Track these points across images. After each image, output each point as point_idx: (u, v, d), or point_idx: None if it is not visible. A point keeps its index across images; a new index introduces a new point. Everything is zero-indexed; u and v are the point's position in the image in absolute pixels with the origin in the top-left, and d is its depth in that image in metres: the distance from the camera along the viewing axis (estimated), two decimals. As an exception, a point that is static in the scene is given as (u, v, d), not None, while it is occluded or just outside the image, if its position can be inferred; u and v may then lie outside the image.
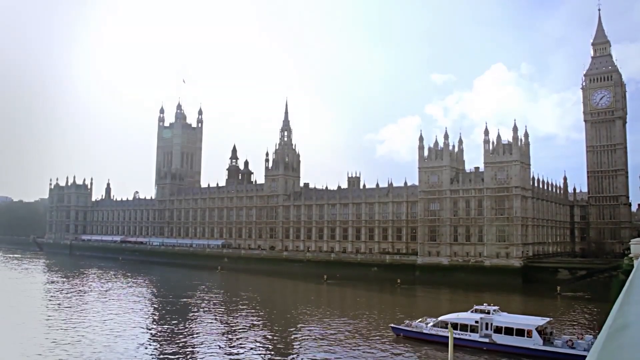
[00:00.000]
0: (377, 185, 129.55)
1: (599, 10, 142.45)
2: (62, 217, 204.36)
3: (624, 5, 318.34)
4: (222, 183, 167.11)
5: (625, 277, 43.82)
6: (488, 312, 47.87)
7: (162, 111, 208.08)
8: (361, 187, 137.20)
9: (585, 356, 40.55)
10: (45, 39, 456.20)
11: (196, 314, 67.42)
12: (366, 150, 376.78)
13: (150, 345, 48.81)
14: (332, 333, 53.92)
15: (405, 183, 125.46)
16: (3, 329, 54.95)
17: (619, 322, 3.57)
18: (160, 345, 48.73)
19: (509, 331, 44.82)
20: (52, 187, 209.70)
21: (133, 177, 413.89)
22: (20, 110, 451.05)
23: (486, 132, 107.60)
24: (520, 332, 44.42)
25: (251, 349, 46.99)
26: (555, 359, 41.97)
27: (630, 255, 62.21)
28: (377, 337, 51.38)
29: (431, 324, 49.41)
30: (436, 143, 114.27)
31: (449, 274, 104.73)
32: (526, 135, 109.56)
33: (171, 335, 52.46)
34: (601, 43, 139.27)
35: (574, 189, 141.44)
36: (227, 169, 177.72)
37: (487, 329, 46.36)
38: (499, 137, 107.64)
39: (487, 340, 45.86)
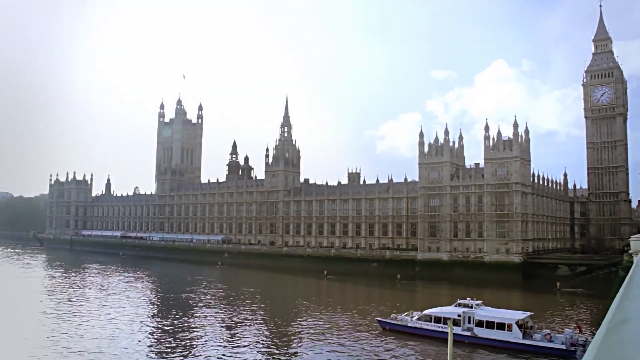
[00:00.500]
0: (377, 181, 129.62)
1: (600, 6, 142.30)
2: (62, 213, 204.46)
3: (625, 2, 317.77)
4: (222, 178, 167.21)
5: (625, 274, 43.89)
6: (471, 307, 48.78)
7: (162, 107, 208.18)
8: (361, 183, 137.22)
9: (561, 349, 41.22)
10: (45, 39, 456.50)
11: (196, 309, 67.50)
12: (366, 146, 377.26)
13: (151, 340, 48.97)
14: (322, 326, 54.93)
15: (406, 179, 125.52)
16: (6, 324, 55.02)
17: (619, 317, 3.59)
18: (161, 340, 48.87)
19: (490, 325, 45.80)
20: (53, 182, 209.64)
21: (133, 173, 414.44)
22: (21, 107, 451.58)
23: (486, 129, 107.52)
24: (500, 326, 45.47)
25: (250, 342, 47.19)
26: (533, 352, 42.94)
27: (630, 252, 62.20)
28: (364, 331, 52.35)
29: (416, 317, 50.60)
30: (436, 139, 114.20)
31: (448, 269, 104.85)
32: (527, 131, 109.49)
33: (172, 330, 52.60)
34: (602, 40, 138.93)
35: (574, 186, 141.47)
36: (227, 165, 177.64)
37: (469, 322, 47.33)
38: (499, 133, 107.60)
39: (469, 333, 46.82)
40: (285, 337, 51.21)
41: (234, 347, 45.98)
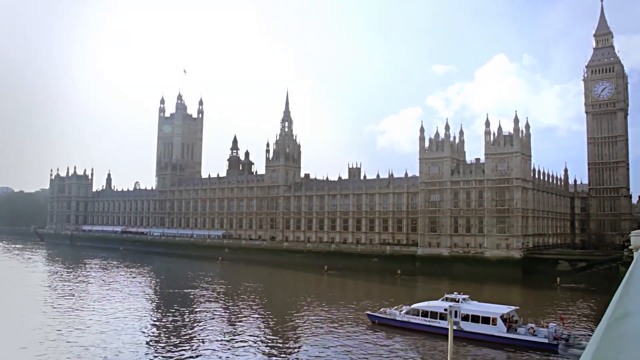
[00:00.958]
0: (378, 176, 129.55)
1: (602, 1, 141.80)
2: (63, 208, 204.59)
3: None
4: (223, 174, 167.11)
5: (625, 269, 43.92)
6: (457, 301, 49.58)
7: (162, 102, 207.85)
8: (362, 178, 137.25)
9: (544, 342, 41.82)
10: (45, 39, 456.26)
11: (197, 304, 67.70)
12: (367, 142, 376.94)
13: (153, 334, 49.14)
14: (315, 320, 56.03)
15: (406, 174, 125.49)
16: (8, 319, 55.15)
17: (619, 312, 3.58)
18: (163, 334, 48.98)
19: (475, 319, 46.45)
20: (53, 177, 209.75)
21: (134, 168, 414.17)
22: (21, 104, 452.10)
23: (487, 124, 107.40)
24: (485, 320, 46.24)
25: (248, 337, 47.34)
26: (517, 345, 43.68)
27: (630, 247, 62.30)
28: (354, 325, 53.15)
29: (404, 311, 51.43)
30: (437, 134, 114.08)
31: (449, 265, 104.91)
32: (527, 126, 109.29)
33: (173, 325, 52.72)
34: (603, 34, 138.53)
35: (575, 181, 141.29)
36: (227, 160, 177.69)
37: (455, 316, 47.63)
38: (500, 128, 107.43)
39: (455, 327, 46.90)
40: (279, 331, 51.43)
41: (233, 341, 46.09)
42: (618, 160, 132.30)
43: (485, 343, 44.45)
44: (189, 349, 43.65)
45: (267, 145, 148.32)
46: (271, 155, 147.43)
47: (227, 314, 60.92)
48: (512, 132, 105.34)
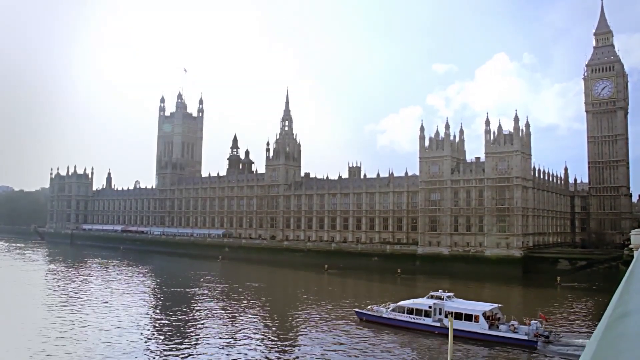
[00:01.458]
0: (378, 175, 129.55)
1: (602, 0, 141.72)
2: (63, 207, 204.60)
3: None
4: (223, 173, 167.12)
5: (625, 268, 43.94)
6: (442, 298, 50.42)
7: (162, 101, 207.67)
8: (362, 177, 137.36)
9: (524, 339, 42.70)
10: (45, 39, 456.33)
11: (197, 303, 67.75)
12: (367, 141, 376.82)
13: (152, 335, 49.14)
14: (304, 318, 57.21)
15: (406, 173, 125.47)
16: (9, 319, 55.16)
17: (619, 311, 3.56)
18: (163, 334, 49.02)
19: (458, 316, 46.71)
20: (53, 176, 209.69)
21: (134, 167, 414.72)
22: (21, 104, 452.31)
23: (487, 122, 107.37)
24: (468, 317, 47.00)
25: (245, 335, 47.43)
26: (498, 342, 44.51)
27: (631, 246, 62.34)
28: (342, 321, 54.17)
29: (390, 308, 52.38)
30: (437, 133, 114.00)
31: (449, 264, 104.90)
32: (527, 125, 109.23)
33: (174, 324, 52.78)
34: (603, 33, 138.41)
35: (575, 180, 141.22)
36: (227, 159, 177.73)
37: (439, 314, 49.02)
38: (500, 127, 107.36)
39: (438, 324, 48.53)
40: (276, 330, 51.69)
41: (232, 340, 46.16)
42: (618, 159, 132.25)
43: (468, 340, 45.16)
44: (189, 348, 43.69)
45: (267, 144, 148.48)
46: (271, 154, 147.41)
47: (226, 313, 60.93)
48: (512, 131, 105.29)
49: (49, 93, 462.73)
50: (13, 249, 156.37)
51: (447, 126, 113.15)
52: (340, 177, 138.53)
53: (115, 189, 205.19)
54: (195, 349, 43.61)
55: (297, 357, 41.76)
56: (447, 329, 46.18)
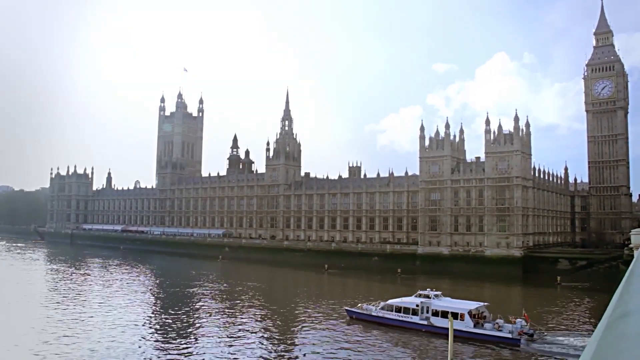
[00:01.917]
0: (378, 175, 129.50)
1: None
2: (63, 207, 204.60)
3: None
4: (223, 172, 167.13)
5: (626, 268, 43.94)
6: (429, 297, 51.41)
7: (162, 100, 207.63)
8: (362, 176, 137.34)
9: (508, 337, 43.54)
10: (45, 39, 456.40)
11: (198, 303, 67.75)
12: (367, 140, 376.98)
13: (153, 334, 49.14)
14: (298, 316, 58.39)
15: (406, 173, 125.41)
16: (9, 319, 55.16)
17: (619, 310, 3.57)
18: (163, 334, 49.04)
19: (444, 314, 47.69)
20: (53, 176, 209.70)
21: (134, 167, 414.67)
22: (21, 104, 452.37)
23: (487, 122, 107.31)
24: (454, 316, 47.31)
25: (248, 336, 47.41)
26: (483, 340, 45.42)
27: (631, 246, 62.30)
28: (332, 319, 55.19)
29: (380, 307, 53.32)
30: (437, 133, 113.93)
31: (449, 263, 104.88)
32: (527, 125, 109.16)
33: (173, 324, 52.79)
34: (603, 33, 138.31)
35: (575, 179, 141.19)
36: (227, 159, 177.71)
37: (426, 312, 49.99)
38: (500, 127, 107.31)
39: (425, 322, 49.60)
40: (274, 329, 51.73)
41: (231, 339, 46.19)
42: (618, 158, 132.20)
43: (454, 337, 45.47)
44: (189, 347, 43.68)
45: (268, 144, 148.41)
46: (271, 154, 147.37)
47: (226, 312, 60.95)
48: (512, 130, 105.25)
49: (49, 93, 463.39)
50: (13, 249, 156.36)
51: (447, 126, 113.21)
52: (340, 177, 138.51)
53: (115, 188, 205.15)
54: (195, 348, 43.61)
55: (286, 355, 42.41)
56: (434, 327, 48.28)
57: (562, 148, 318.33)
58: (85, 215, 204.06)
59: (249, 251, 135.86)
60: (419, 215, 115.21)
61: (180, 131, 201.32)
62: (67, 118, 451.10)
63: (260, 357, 41.35)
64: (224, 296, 73.88)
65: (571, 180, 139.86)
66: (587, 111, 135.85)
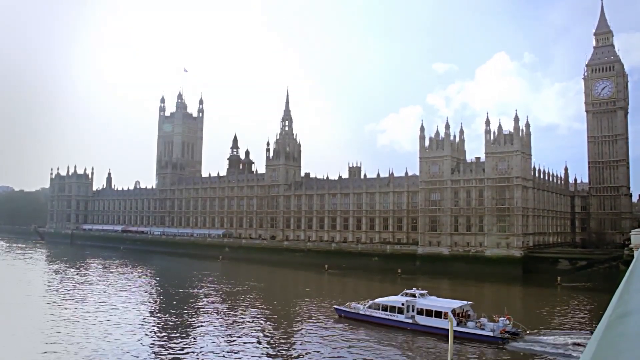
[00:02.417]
0: (378, 175, 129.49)
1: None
2: (63, 207, 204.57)
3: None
4: (223, 173, 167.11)
5: (626, 268, 43.96)
6: (415, 296, 52.19)
7: (162, 101, 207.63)
8: (362, 177, 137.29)
9: (489, 335, 44.11)
10: (45, 39, 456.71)
11: (198, 303, 67.79)
12: (367, 140, 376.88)
13: (153, 334, 49.14)
14: (293, 315, 59.67)
15: (406, 173, 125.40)
16: (9, 319, 55.17)
17: (619, 310, 3.58)
18: (163, 334, 49.03)
19: (429, 313, 49.05)
20: (53, 176, 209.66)
21: (134, 167, 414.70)
22: (21, 104, 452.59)
23: (487, 122, 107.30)
24: (438, 314, 48.77)
25: (250, 337, 47.42)
26: (465, 338, 45.98)
27: (631, 246, 62.27)
28: (322, 318, 56.17)
29: (367, 305, 54.25)
30: (437, 133, 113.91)
31: (449, 263, 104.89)
32: (527, 125, 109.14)
33: (173, 324, 52.81)
34: (603, 33, 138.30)
35: (575, 180, 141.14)
36: (228, 159, 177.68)
37: (412, 310, 50.83)
38: (500, 127, 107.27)
39: (410, 320, 50.45)
40: (273, 329, 51.59)
41: (230, 339, 46.24)
42: (618, 158, 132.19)
43: (437, 335, 46.63)
44: (189, 347, 43.71)
45: (268, 144, 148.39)
46: (271, 154, 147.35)
47: (226, 312, 60.95)
48: (512, 130, 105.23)
49: (49, 93, 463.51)
50: (13, 249, 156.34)
51: (447, 126, 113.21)
52: (340, 177, 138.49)
53: (115, 189, 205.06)
54: (195, 348, 43.62)
55: (286, 355, 42.64)
56: (419, 325, 49.50)
57: (562, 148, 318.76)
58: (85, 216, 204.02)
59: (249, 251, 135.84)
60: (419, 215, 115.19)
61: (180, 131, 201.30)
62: (67, 118, 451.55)
63: (260, 356, 41.39)
64: (224, 296, 73.89)
65: (571, 180, 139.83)
66: (587, 111, 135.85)
